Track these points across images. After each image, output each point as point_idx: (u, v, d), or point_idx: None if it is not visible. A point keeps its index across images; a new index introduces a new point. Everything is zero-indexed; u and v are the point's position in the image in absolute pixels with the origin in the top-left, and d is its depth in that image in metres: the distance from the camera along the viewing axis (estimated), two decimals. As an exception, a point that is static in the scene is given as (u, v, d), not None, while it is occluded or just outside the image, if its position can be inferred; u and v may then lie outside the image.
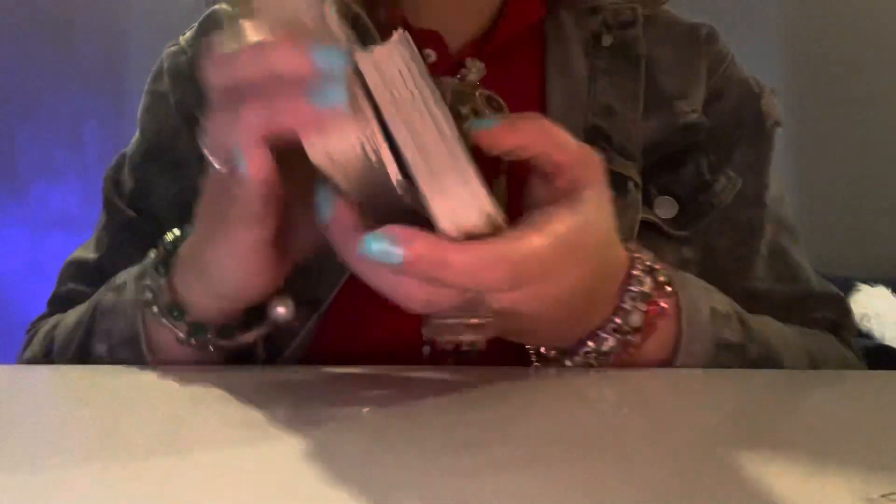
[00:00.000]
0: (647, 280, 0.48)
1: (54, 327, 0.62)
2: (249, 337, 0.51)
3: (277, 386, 0.48)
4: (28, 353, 0.63)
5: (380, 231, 0.37)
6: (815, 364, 0.58)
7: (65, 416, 0.41)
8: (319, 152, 0.39)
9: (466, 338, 0.43)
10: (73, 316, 0.60)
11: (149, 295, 0.51)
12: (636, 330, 0.48)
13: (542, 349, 0.50)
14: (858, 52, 2.01)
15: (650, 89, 0.64)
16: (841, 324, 0.65)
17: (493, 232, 0.39)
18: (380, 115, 0.39)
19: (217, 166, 0.42)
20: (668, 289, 0.49)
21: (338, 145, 0.38)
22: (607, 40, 0.65)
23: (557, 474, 0.31)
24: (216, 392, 0.44)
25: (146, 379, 0.48)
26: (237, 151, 0.40)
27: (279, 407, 0.41)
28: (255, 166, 0.40)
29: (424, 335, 0.43)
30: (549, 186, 0.43)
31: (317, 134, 0.38)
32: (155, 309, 0.51)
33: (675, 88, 0.65)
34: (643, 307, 0.48)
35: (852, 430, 0.38)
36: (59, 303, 0.68)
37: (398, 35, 0.39)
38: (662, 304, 0.49)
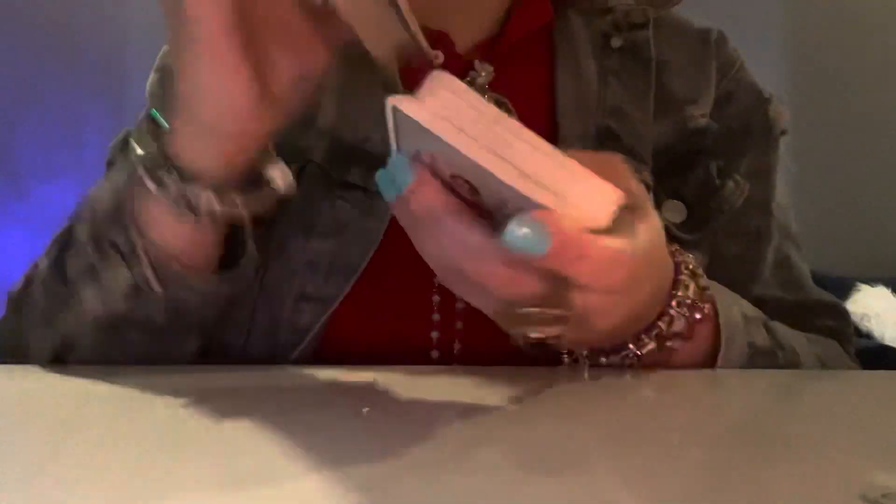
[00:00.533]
0: (692, 285, 0.48)
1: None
2: (243, 203, 0.48)
3: (278, 386, 0.48)
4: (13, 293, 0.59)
5: (523, 217, 0.36)
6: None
7: (65, 416, 0.41)
8: None
9: (551, 330, 0.42)
10: None
11: (137, 153, 0.48)
12: (677, 335, 0.48)
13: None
14: (858, 53, 2.01)
15: (659, 92, 0.64)
16: (842, 332, 0.66)
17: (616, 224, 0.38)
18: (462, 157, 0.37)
19: None
20: (708, 293, 0.50)
21: None
22: (617, 42, 0.64)
23: (560, 475, 0.31)
24: (217, 392, 0.44)
25: (147, 379, 0.48)
26: None
27: (280, 406, 0.41)
28: None
29: (507, 331, 0.42)
30: None
31: None
32: (144, 169, 0.48)
33: (685, 92, 0.65)
34: (687, 313, 0.48)
35: (852, 430, 0.38)
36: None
37: (436, 74, 0.38)
38: (705, 311, 0.49)
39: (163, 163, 0.47)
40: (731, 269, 0.63)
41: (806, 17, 2.04)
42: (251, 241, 0.53)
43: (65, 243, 0.54)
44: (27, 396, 0.46)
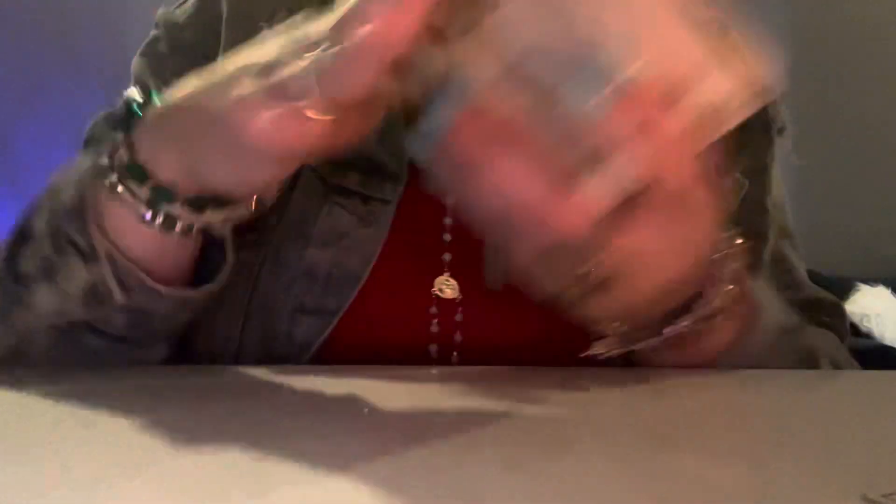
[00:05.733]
0: (737, 259, 0.46)
1: None
2: (221, 216, 0.46)
3: (278, 386, 0.48)
4: None
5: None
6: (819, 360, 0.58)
7: (65, 416, 0.41)
8: None
9: (639, 346, 0.44)
10: None
11: (105, 159, 0.45)
12: (719, 311, 0.46)
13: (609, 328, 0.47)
14: (860, 51, 2.01)
15: None
16: (837, 329, 0.65)
17: None
18: None
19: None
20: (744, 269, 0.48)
21: None
22: None
23: (559, 475, 0.31)
24: (216, 392, 0.44)
25: (145, 379, 0.48)
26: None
27: (280, 407, 0.41)
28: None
29: (597, 351, 0.43)
30: None
31: None
32: (112, 176, 0.44)
33: None
34: (730, 288, 0.45)
35: (852, 430, 0.38)
36: None
37: None
38: (745, 286, 0.47)
39: (132, 169, 0.44)
40: None
41: (807, 13, 2.04)
42: (231, 252, 0.50)
43: (22, 235, 0.50)
44: (27, 396, 0.46)
